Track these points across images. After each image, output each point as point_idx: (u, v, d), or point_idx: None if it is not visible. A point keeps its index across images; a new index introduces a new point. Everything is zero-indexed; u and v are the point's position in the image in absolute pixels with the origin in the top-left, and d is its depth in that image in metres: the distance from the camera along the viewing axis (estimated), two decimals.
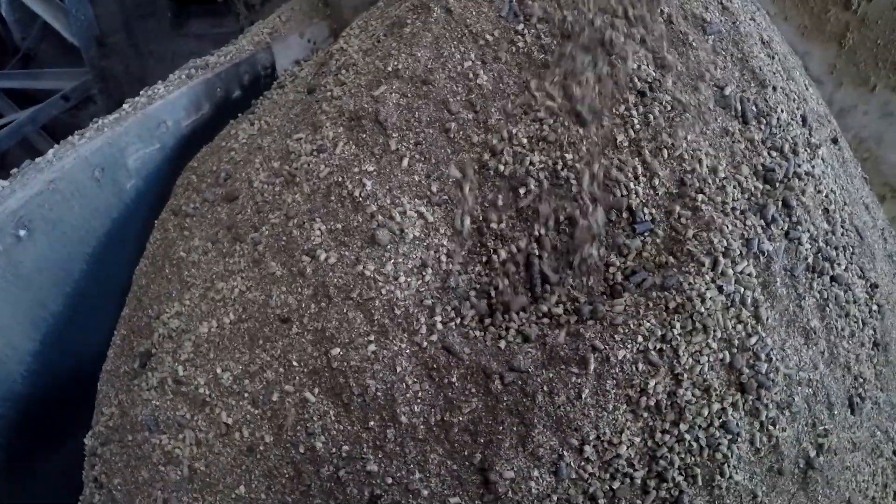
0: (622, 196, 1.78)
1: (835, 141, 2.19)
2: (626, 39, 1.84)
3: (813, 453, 1.71)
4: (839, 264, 1.85)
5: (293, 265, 1.73)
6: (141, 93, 2.33)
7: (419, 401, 1.60)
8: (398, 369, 1.61)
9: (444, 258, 1.75)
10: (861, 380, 1.86)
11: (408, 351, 1.63)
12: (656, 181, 1.79)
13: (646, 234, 1.78)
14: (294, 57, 2.49)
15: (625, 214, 1.79)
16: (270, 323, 1.70)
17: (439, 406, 1.60)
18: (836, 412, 1.76)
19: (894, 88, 2.83)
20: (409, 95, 1.85)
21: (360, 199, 1.73)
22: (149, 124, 2.14)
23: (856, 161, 2.51)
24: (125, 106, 2.25)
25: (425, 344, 1.63)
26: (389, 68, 1.89)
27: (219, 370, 1.70)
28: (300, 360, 1.65)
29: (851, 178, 2.24)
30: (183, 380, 1.73)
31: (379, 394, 1.59)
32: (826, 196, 1.91)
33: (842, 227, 1.93)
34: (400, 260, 1.70)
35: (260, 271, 1.76)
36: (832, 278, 1.82)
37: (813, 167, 1.90)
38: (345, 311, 1.65)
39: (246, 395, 1.66)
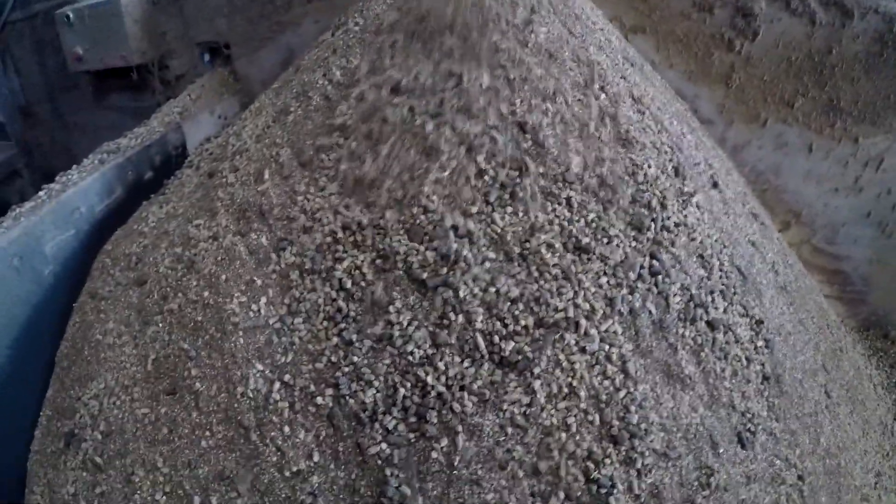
0: None
1: (715, 185, 2.30)
2: None
3: (699, 497, 1.71)
4: (716, 308, 1.92)
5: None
6: (56, 178, 2.39)
7: None
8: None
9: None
10: (749, 415, 1.89)
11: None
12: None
13: None
14: (205, 134, 2.58)
15: None
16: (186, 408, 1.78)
17: None
18: (721, 450, 1.78)
19: (785, 120, 2.96)
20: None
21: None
22: (63, 211, 2.22)
23: (744, 198, 2.64)
24: (41, 193, 2.32)
25: None
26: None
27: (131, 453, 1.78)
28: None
29: (736, 216, 2.34)
30: (99, 463, 1.80)
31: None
32: (701, 242, 1.99)
33: (720, 269, 2.00)
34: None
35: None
36: (708, 323, 1.89)
37: (685, 217, 1.99)
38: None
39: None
